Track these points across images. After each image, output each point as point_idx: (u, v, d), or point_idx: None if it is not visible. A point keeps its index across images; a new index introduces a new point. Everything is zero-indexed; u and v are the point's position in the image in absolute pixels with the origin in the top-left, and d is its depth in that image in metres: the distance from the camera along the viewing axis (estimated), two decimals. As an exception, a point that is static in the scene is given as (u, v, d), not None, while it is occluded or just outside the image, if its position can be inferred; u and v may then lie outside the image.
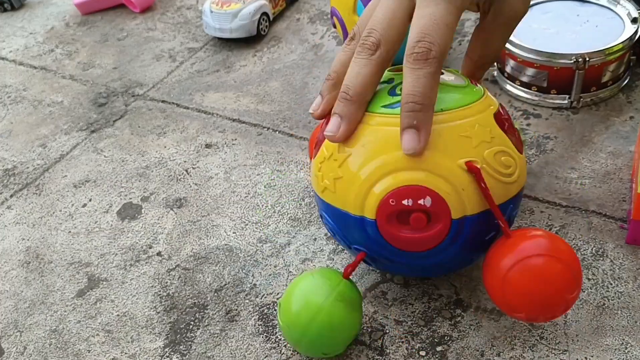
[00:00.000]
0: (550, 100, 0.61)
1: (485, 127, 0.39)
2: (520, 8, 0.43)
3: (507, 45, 0.60)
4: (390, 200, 0.38)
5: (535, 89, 0.61)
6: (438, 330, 0.44)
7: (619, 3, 0.63)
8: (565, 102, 0.60)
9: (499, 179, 0.39)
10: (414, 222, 0.39)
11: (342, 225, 0.41)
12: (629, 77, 0.62)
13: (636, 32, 0.59)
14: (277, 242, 0.52)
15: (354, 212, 0.40)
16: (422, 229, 0.39)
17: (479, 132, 0.39)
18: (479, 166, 0.38)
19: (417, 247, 0.40)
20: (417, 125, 0.38)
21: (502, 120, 0.41)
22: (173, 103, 0.70)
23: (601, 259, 0.47)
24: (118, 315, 0.48)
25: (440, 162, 0.38)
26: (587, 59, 0.57)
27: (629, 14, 0.61)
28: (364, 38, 0.40)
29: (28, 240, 0.55)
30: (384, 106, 0.40)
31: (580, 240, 0.49)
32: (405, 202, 0.38)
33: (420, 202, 0.38)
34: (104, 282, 0.51)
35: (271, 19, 0.80)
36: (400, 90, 0.39)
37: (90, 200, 0.59)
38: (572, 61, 0.57)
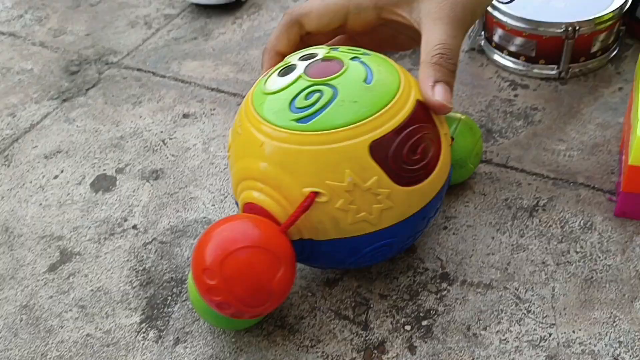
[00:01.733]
0: (539, 71, 0.59)
1: (357, 159, 0.37)
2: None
3: (495, 13, 0.59)
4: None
5: (524, 59, 0.59)
6: (423, 305, 0.43)
7: (609, -29, 0.61)
8: (554, 72, 0.59)
9: (354, 217, 0.38)
10: None
11: None
12: (618, 48, 0.61)
13: (626, 1, 0.58)
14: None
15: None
16: None
17: (348, 164, 0.37)
18: (317, 200, 0.37)
19: None
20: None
21: (387, 146, 0.37)
22: (149, 71, 0.67)
23: (589, 231, 0.46)
24: (92, 290, 0.46)
25: (291, 187, 0.38)
26: (577, 28, 0.56)
27: (619, -17, 0.60)
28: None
29: (-4, 212, 0.53)
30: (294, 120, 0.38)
31: (568, 213, 0.48)
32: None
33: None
34: (77, 257, 0.49)
35: (251, -15, 0.77)
36: (302, 101, 0.38)
37: (62, 171, 0.56)
38: (561, 30, 0.56)
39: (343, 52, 0.41)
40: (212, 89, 0.64)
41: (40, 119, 0.62)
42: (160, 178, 0.55)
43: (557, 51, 0.57)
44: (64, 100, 0.64)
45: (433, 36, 0.41)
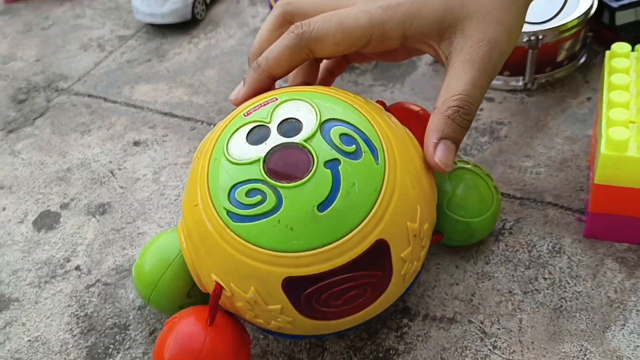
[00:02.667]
0: (504, 83, 0.57)
1: (266, 284, 0.33)
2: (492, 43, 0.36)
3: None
4: None
5: (487, 71, 0.57)
6: (383, 344, 0.40)
7: (573, -24, 0.59)
8: (520, 84, 0.56)
9: (253, 319, 0.36)
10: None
11: None
12: (585, 55, 0.59)
13: (591, 6, 0.55)
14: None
15: None
16: None
17: (256, 283, 0.33)
18: (226, 294, 0.34)
19: None
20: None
21: (304, 287, 0.33)
22: (100, 97, 0.64)
23: (558, 255, 0.43)
24: (29, 340, 0.43)
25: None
26: (540, 37, 0.53)
27: (583, -12, 0.57)
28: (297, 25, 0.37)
29: None
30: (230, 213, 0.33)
31: (535, 236, 0.45)
32: None
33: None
34: (15, 303, 0.45)
35: (208, 1, 0.74)
36: (242, 195, 0.33)
37: (4, 209, 0.53)
38: (524, 40, 0.53)
39: (324, 145, 0.33)
40: (165, 114, 0.61)
41: (-16, 153, 0.59)
42: (107, 213, 0.51)
43: (522, 62, 0.55)
44: (10, 132, 0.61)
45: (456, 82, 0.36)
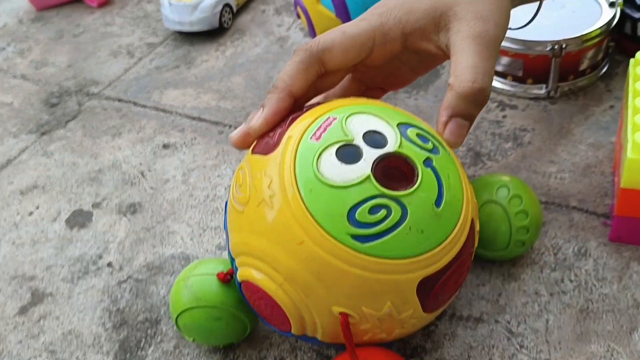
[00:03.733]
0: (528, 90, 0.58)
1: (402, 293, 0.34)
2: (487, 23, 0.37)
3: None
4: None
5: (511, 79, 0.58)
6: (410, 342, 0.41)
7: (595, -13, 0.60)
8: (543, 92, 0.57)
9: (372, 337, 0.35)
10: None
11: None
12: (607, 65, 0.59)
13: (614, 16, 0.56)
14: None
15: None
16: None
17: (392, 296, 0.33)
18: (350, 321, 0.34)
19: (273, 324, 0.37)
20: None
21: (434, 282, 0.34)
22: (130, 102, 0.66)
23: (584, 258, 0.44)
24: (63, 333, 0.44)
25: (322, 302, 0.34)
26: (564, 45, 0.54)
27: (606, -2, 0.58)
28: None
29: (-33, 253, 0.51)
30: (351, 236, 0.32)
31: (561, 239, 0.45)
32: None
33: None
34: (49, 297, 0.47)
35: (235, 10, 0.76)
36: (366, 214, 0.32)
37: (37, 207, 0.55)
38: (548, 49, 0.54)
39: (413, 147, 0.34)
40: (194, 118, 0.62)
41: (18, 154, 0.61)
42: (138, 212, 0.53)
43: (545, 70, 0.56)
44: (43, 134, 0.63)
45: (464, 57, 0.36)
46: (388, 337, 0.35)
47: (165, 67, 0.70)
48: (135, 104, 0.65)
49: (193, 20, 0.71)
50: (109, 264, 0.48)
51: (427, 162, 0.34)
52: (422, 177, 0.33)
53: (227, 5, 0.73)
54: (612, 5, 0.57)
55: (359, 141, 0.34)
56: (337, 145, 0.34)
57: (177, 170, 0.56)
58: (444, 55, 0.39)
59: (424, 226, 0.33)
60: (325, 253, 0.32)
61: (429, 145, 0.35)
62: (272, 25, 0.75)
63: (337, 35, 0.38)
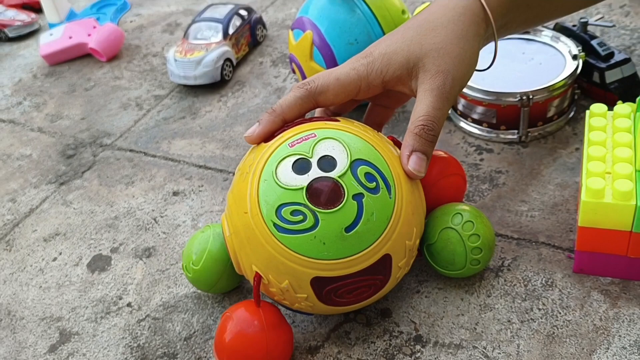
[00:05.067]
0: (501, 136, 0.64)
1: (299, 280, 0.43)
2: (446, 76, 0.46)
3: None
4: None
5: (486, 125, 0.64)
6: (399, 367, 0.46)
7: (559, 40, 0.67)
8: (515, 137, 0.63)
9: (279, 299, 0.46)
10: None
11: None
12: (574, 110, 0.66)
13: (577, 68, 0.63)
14: (245, 286, 0.54)
15: None
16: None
17: (290, 278, 0.44)
18: (262, 280, 0.45)
19: None
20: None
21: (326, 283, 0.44)
22: (140, 152, 0.72)
23: (550, 289, 0.50)
24: (90, 368, 0.49)
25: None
26: (531, 96, 0.60)
27: (569, 51, 0.65)
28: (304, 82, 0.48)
29: (0, 297, 0.56)
30: (278, 227, 0.43)
31: (531, 272, 0.51)
32: None
33: None
34: (76, 336, 0.52)
35: (234, 63, 0.82)
36: (288, 214, 0.42)
37: (60, 253, 0.60)
38: (517, 99, 0.61)
39: (353, 181, 0.43)
40: (200, 166, 0.68)
41: (39, 203, 0.67)
42: (153, 255, 0.58)
43: (516, 118, 0.62)
44: (62, 184, 0.69)
45: (419, 107, 0.45)
46: (291, 305, 0.46)
47: (172, 118, 0.77)
48: (145, 154, 0.71)
49: (197, 75, 0.78)
50: (129, 304, 0.54)
51: (357, 196, 0.43)
52: (344, 204, 0.42)
53: (227, 59, 0.80)
54: (574, 57, 0.64)
55: (314, 160, 0.44)
56: (297, 157, 0.44)
57: (186, 215, 0.62)
58: (414, 95, 0.48)
59: (327, 240, 0.42)
60: (255, 227, 0.43)
61: (371, 185, 0.43)
62: (269, 76, 0.81)
63: (331, 81, 0.47)
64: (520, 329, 0.47)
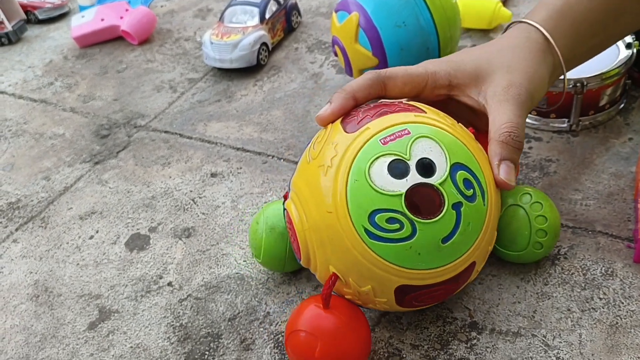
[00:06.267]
0: (551, 124, 0.62)
1: (382, 286, 0.41)
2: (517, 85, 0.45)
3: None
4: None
5: (535, 113, 0.62)
6: (455, 354, 0.44)
7: (611, 29, 0.65)
8: (565, 125, 0.62)
9: (357, 302, 0.43)
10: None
11: None
12: (625, 100, 0.64)
13: (631, 56, 0.61)
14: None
15: None
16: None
17: (373, 283, 0.41)
18: (337, 282, 0.42)
19: None
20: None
21: (407, 291, 0.41)
22: (176, 133, 0.70)
23: (611, 278, 0.48)
24: (131, 347, 0.48)
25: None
26: (585, 83, 0.59)
27: (623, 39, 0.63)
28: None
29: (36, 273, 0.55)
30: (368, 233, 0.39)
31: (589, 261, 0.49)
32: None
33: None
34: (116, 314, 0.50)
35: (270, 48, 0.81)
36: (382, 220, 0.39)
37: (97, 232, 0.59)
38: (570, 86, 0.59)
39: (452, 188, 0.40)
40: (238, 149, 0.67)
41: (74, 182, 0.65)
42: (192, 236, 0.57)
43: (567, 105, 0.60)
44: (96, 163, 0.67)
45: (500, 116, 0.44)
46: (363, 305, 0.44)
47: (207, 101, 0.75)
48: (181, 135, 0.70)
49: (233, 58, 0.76)
50: (170, 284, 0.52)
51: (457, 205, 0.40)
52: (443, 215, 0.39)
53: (264, 43, 0.79)
54: (628, 46, 0.62)
55: (412, 163, 0.40)
56: (393, 157, 0.40)
57: (226, 197, 0.61)
58: (479, 109, 0.47)
59: (422, 251, 0.39)
60: (341, 229, 0.40)
61: (469, 192, 0.40)
62: (305, 62, 0.80)
63: (400, 70, 0.47)
64: (581, 318, 0.45)
